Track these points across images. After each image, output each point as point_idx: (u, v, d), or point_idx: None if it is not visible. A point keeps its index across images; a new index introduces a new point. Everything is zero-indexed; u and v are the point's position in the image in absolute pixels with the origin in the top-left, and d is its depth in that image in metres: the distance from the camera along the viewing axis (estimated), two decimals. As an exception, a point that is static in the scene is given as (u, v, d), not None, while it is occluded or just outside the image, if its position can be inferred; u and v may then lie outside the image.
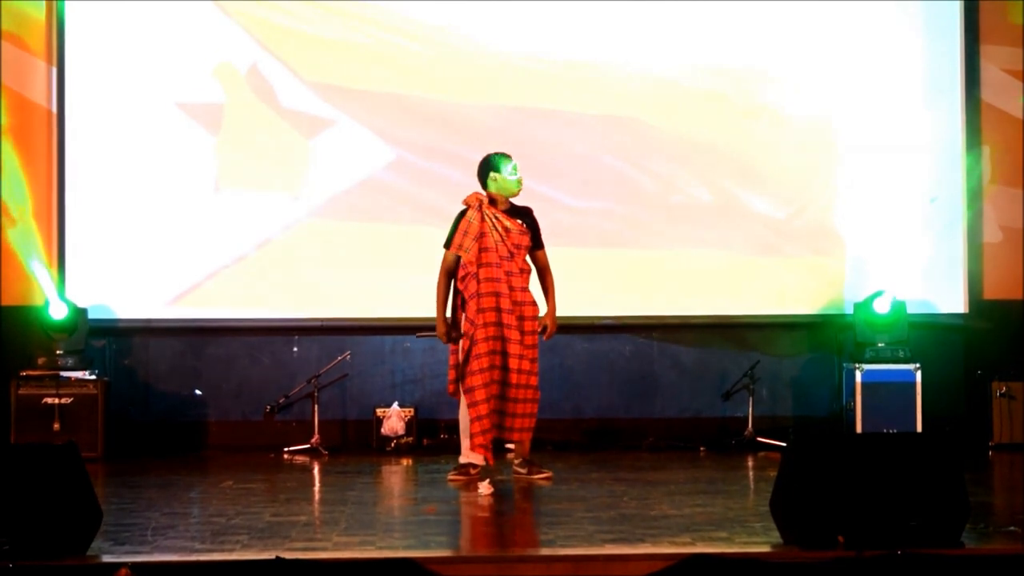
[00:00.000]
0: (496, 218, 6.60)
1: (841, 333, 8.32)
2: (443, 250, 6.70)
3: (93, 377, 7.76)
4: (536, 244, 6.75)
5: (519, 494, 6.40)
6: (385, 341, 8.39)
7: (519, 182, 6.66)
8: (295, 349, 8.38)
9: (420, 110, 8.30)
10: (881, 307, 8.10)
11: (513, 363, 6.56)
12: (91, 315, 7.98)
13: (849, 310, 8.28)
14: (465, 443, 6.66)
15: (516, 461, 6.83)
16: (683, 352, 8.49)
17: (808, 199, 8.46)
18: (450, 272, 6.66)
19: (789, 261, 8.42)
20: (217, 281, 8.22)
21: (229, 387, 8.34)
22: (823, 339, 8.42)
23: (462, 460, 6.71)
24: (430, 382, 8.34)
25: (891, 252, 8.33)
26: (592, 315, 8.31)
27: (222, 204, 8.24)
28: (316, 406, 8.03)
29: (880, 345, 8.06)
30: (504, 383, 6.56)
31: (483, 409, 6.47)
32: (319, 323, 8.30)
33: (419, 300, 8.01)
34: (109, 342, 8.17)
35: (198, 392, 8.32)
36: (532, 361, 6.62)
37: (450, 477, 6.67)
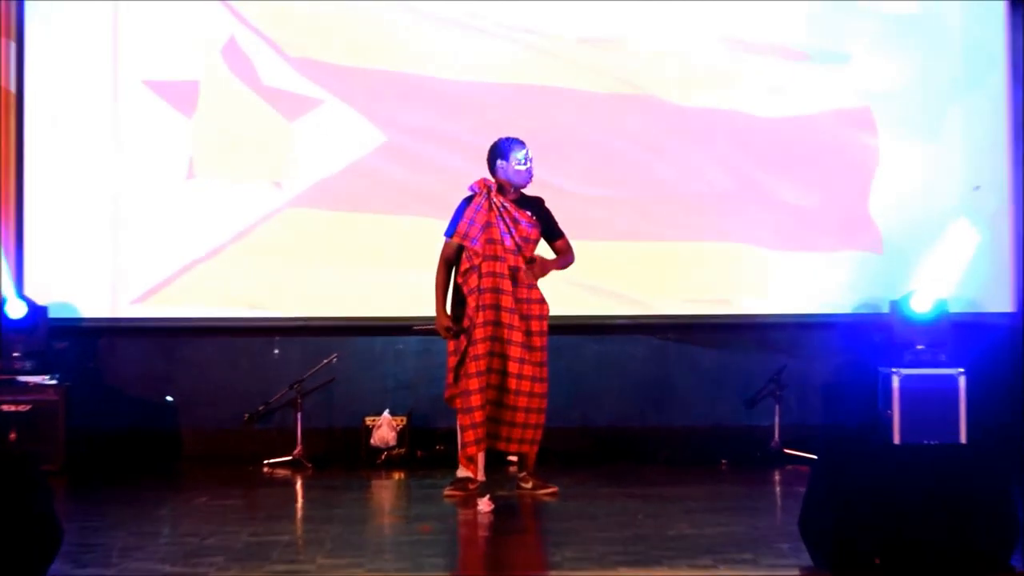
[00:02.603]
0: (504, 208, 6.59)
1: (877, 334, 8.29)
2: (443, 239, 6.69)
3: (54, 382, 7.74)
4: (553, 234, 6.76)
5: (522, 511, 6.39)
6: (375, 343, 8.38)
7: (528, 173, 6.66)
8: (276, 351, 8.37)
9: (414, 89, 8.28)
10: (921, 306, 8.08)
11: (513, 367, 6.54)
12: (51, 314, 7.96)
13: (886, 309, 8.26)
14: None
15: (520, 475, 6.81)
16: (702, 355, 8.48)
17: (841, 186, 8.44)
18: (449, 262, 6.66)
19: (819, 255, 8.40)
20: (190, 277, 8.21)
21: (203, 393, 8.33)
22: (857, 341, 8.39)
23: (460, 474, 6.70)
24: (424, 388, 8.32)
25: (932, 245, 8.30)
26: (602, 314, 8.30)
27: (196, 192, 8.23)
28: (299, 414, 8.01)
29: (920, 348, 8.04)
30: (503, 388, 6.54)
31: (478, 416, 6.47)
32: (303, 323, 8.29)
33: (413, 297, 8.01)
34: (71, 344, 8.15)
35: (169, 399, 8.31)
36: (537, 366, 6.58)
37: (447, 492, 6.66)
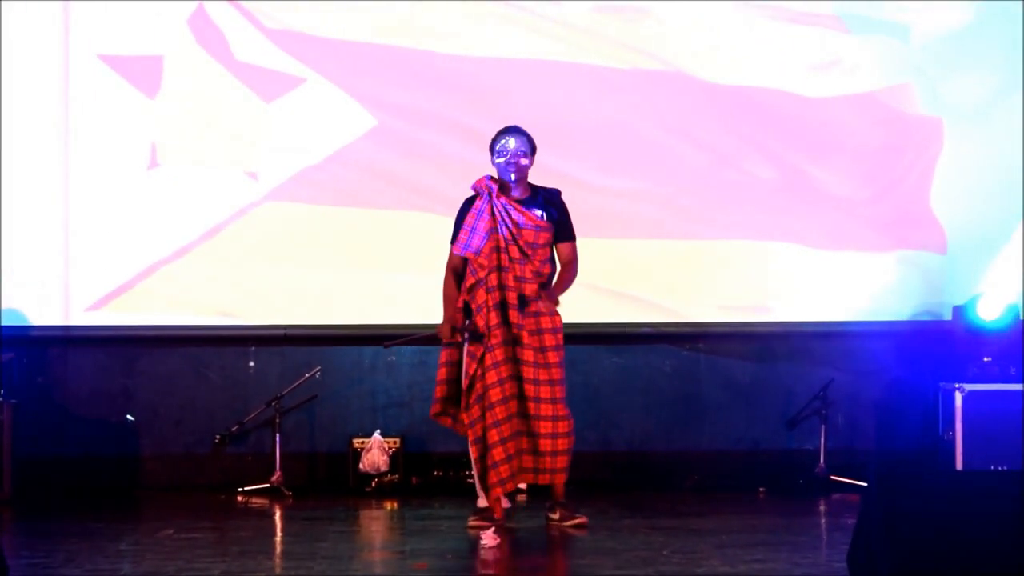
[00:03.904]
0: (506, 210, 6.60)
1: (938, 345, 8.29)
2: (449, 247, 6.70)
3: (-2, 399, 7.78)
4: (563, 235, 6.73)
5: (531, 546, 6.40)
6: (364, 354, 8.39)
7: (509, 166, 6.60)
8: (252, 364, 8.38)
9: (408, 66, 8.29)
10: (989, 312, 8.08)
11: (529, 390, 6.58)
12: (-4, 322, 8.00)
13: (948, 316, 8.27)
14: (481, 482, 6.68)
15: (547, 504, 6.86)
16: (737, 368, 8.48)
17: (896, 176, 8.44)
18: (457, 271, 6.67)
19: (872, 255, 8.40)
20: (153, 280, 8.22)
21: (169, 412, 8.35)
22: (915, 352, 8.40)
23: (482, 503, 6.72)
24: (420, 406, 8.33)
25: (1001, 243, 8.30)
26: (622, 322, 8.30)
27: (160, 183, 8.24)
28: (278, 435, 8.03)
29: (987, 360, 8.04)
30: (521, 415, 6.58)
31: (500, 453, 6.49)
32: (282, 331, 8.31)
33: (408, 303, 8.03)
34: (18, 355, 8.16)
35: (130, 418, 8.33)
36: (554, 385, 6.60)
37: (471, 523, 6.67)
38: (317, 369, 8.17)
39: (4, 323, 8.05)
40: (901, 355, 8.44)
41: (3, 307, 8.10)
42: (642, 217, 8.35)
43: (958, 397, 7.93)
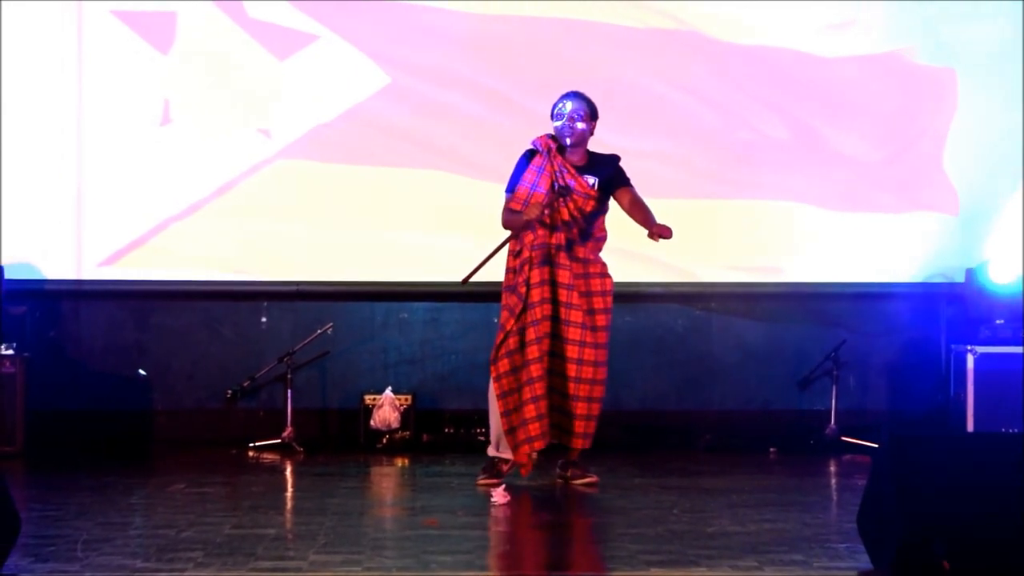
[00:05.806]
0: (562, 172, 6.57)
1: (950, 307, 8.29)
2: (504, 195, 6.63)
3: (10, 352, 7.77)
4: (617, 183, 6.62)
5: (542, 504, 6.40)
6: (376, 311, 8.39)
7: (565, 128, 6.57)
8: (264, 320, 8.38)
9: (422, 23, 8.26)
10: (1001, 275, 8.06)
11: (572, 351, 6.52)
12: (8, 275, 7.98)
13: (960, 278, 8.25)
14: (496, 432, 6.65)
15: (559, 462, 6.87)
16: (749, 329, 8.47)
17: (910, 138, 8.41)
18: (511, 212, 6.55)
19: (885, 216, 8.38)
20: (166, 235, 8.22)
21: (181, 367, 8.36)
22: (927, 314, 8.39)
23: (492, 452, 6.72)
24: (432, 363, 8.33)
25: (1014, 207, 8.27)
26: (635, 281, 8.28)
27: (173, 139, 8.23)
28: (289, 391, 8.04)
29: (999, 322, 8.02)
30: (562, 376, 6.54)
31: (532, 411, 6.41)
32: (294, 287, 8.31)
33: (419, 261, 8.03)
34: (31, 309, 8.18)
35: (142, 373, 8.34)
36: (598, 348, 6.58)
37: (480, 482, 6.66)
38: (329, 325, 8.16)
39: (17, 276, 8.05)
40: (913, 316, 8.43)
41: (16, 261, 8.10)
42: (655, 176, 8.30)
43: (970, 359, 7.93)
